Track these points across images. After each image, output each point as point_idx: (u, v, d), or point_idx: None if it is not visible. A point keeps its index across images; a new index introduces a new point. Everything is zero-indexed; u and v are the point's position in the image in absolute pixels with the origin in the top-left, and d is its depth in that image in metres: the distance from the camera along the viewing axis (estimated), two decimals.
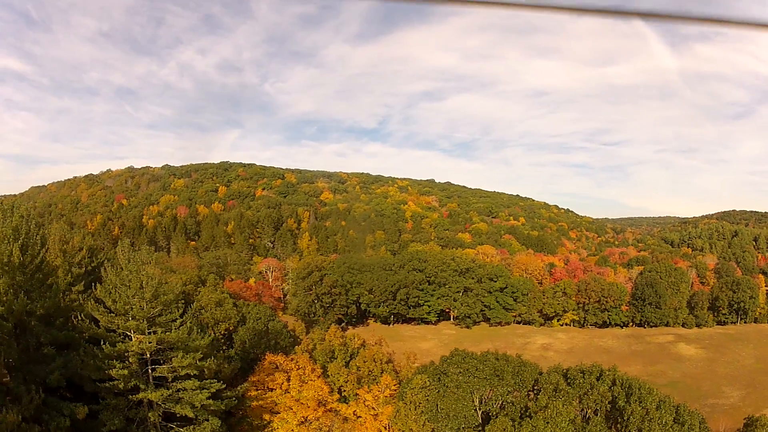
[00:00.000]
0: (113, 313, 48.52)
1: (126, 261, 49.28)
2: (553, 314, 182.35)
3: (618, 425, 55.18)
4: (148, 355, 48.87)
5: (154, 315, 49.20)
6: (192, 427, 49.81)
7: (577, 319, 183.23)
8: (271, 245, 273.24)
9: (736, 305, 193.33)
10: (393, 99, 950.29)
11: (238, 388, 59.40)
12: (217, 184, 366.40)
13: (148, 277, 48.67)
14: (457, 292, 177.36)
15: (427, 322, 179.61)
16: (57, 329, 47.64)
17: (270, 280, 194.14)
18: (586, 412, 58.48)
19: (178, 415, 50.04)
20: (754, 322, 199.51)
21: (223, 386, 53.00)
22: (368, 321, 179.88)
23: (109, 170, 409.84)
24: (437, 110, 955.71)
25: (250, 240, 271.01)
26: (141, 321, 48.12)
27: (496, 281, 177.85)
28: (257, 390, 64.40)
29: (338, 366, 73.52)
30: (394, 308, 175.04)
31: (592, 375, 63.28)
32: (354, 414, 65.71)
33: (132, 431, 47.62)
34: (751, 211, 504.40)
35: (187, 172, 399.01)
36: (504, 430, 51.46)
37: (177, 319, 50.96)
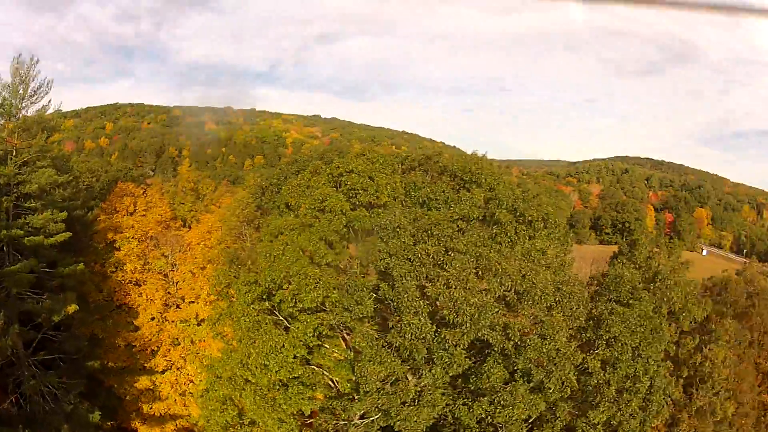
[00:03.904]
0: None
1: None
2: None
3: None
4: None
5: None
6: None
7: None
8: (152, 173, 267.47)
9: (620, 225, 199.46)
10: (288, 42, 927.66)
11: (89, 214, 59.05)
12: (105, 122, 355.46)
13: None
14: None
15: None
16: None
17: None
18: None
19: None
20: None
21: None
22: None
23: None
24: (331, 53, 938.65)
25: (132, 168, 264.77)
26: None
27: None
28: (106, 215, 63.23)
29: (184, 194, 73.55)
30: None
31: None
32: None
33: None
34: (646, 158, 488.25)
35: (77, 114, 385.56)
36: None
37: None
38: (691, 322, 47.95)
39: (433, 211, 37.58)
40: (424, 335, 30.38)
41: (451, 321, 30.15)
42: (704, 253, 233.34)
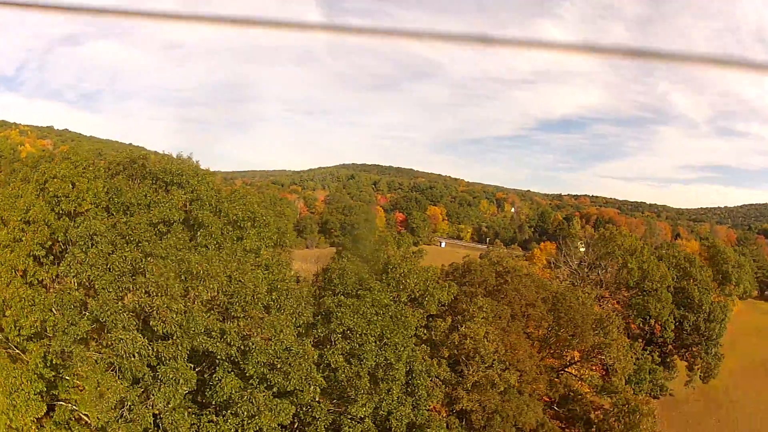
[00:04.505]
0: None
1: None
2: None
3: None
4: None
5: None
6: None
7: None
8: None
9: (349, 227, 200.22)
10: (36, 42, 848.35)
11: None
12: None
13: None
14: None
15: None
16: None
17: None
18: None
19: None
20: None
21: None
22: None
23: None
24: (72, 56, 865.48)
25: None
26: None
27: None
28: None
29: None
30: None
31: None
32: None
33: None
34: (373, 164, 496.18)
35: None
36: None
37: None
38: (439, 306, 49.15)
39: (135, 216, 34.46)
40: (137, 351, 27.12)
41: (161, 332, 27.15)
42: (442, 245, 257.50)
